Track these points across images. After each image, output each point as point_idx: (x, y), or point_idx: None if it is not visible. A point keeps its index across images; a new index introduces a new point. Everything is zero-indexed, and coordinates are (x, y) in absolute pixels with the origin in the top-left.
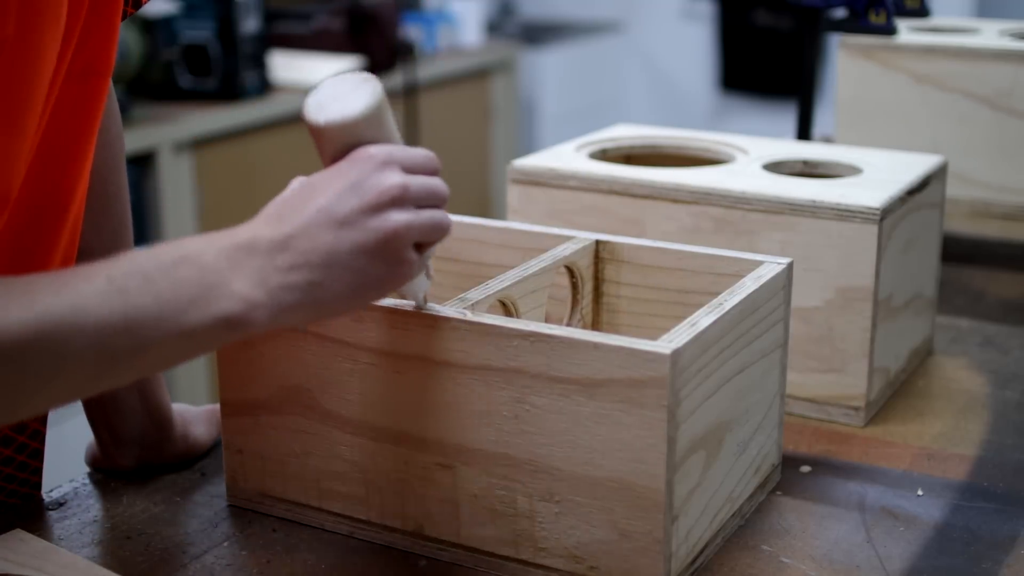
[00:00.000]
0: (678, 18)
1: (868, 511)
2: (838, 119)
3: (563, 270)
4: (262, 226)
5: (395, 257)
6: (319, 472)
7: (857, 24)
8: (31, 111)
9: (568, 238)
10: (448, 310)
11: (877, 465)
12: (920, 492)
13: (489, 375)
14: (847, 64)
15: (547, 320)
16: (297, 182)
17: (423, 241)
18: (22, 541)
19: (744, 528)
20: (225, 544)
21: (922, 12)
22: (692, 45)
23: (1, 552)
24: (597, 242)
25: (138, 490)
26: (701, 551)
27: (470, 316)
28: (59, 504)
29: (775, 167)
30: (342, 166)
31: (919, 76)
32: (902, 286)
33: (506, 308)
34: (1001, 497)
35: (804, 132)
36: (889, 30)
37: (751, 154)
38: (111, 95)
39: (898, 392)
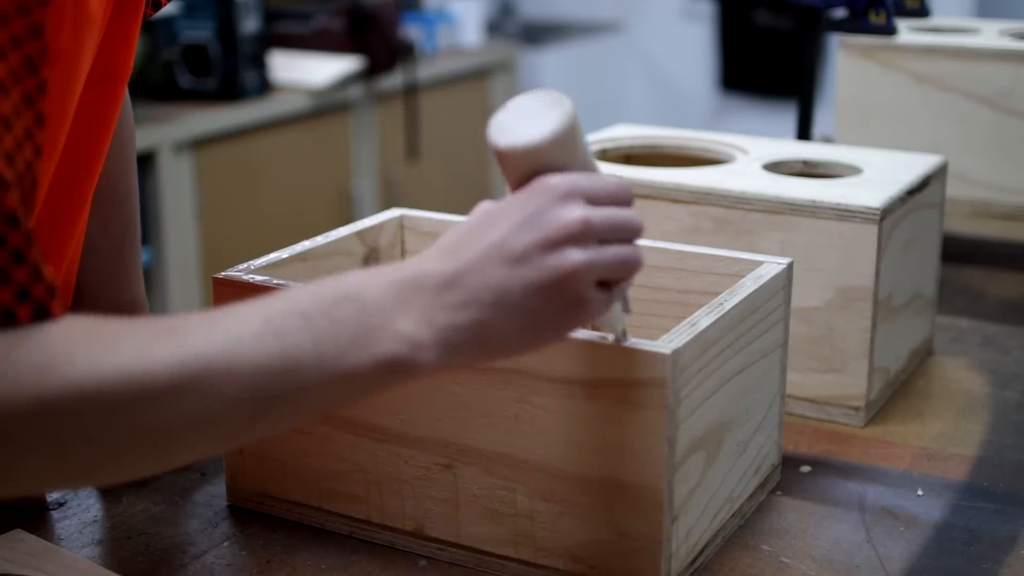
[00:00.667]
0: (678, 18)
1: (868, 511)
2: (838, 119)
3: None
4: (431, 260)
5: (574, 297)
6: (319, 472)
7: (857, 24)
8: (68, 121)
9: None
10: None
11: (877, 465)
12: (920, 492)
13: (489, 375)
14: (847, 64)
15: None
16: (480, 209)
17: (609, 278)
18: (22, 541)
19: (744, 528)
20: (225, 544)
21: (922, 12)
22: (692, 45)
23: (1, 552)
24: None
25: (138, 490)
26: (701, 551)
27: None
28: (59, 504)
29: (775, 167)
30: (522, 196)
31: (919, 76)
32: (902, 286)
33: None
34: (1001, 497)
35: (804, 132)
36: (889, 30)
37: (751, 154)
38: (126, 99)
39: (898, 392)
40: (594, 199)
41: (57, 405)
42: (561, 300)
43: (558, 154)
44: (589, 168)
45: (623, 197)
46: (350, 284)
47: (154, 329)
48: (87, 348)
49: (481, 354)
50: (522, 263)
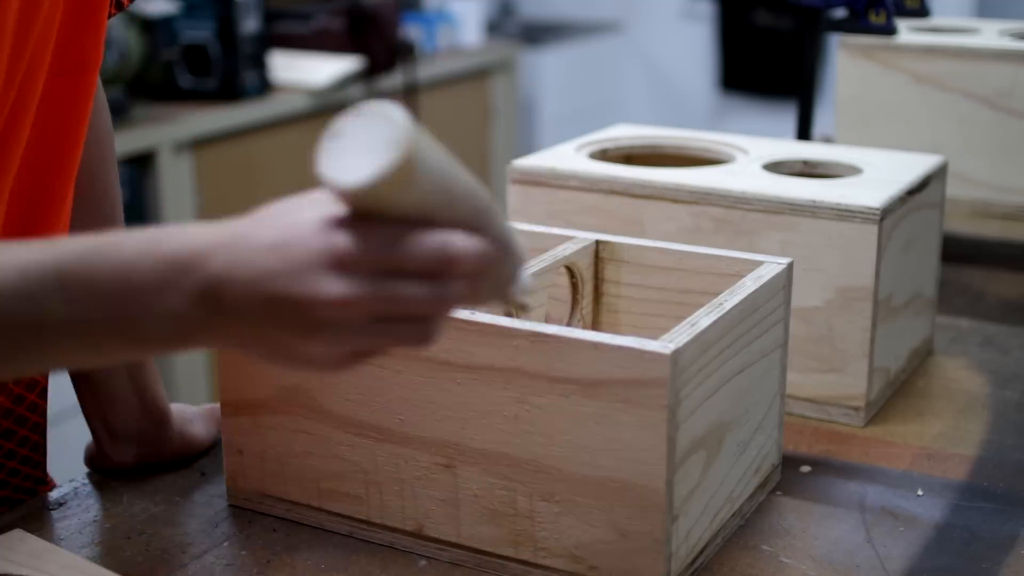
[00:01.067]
0: (678, 18)
1: (868, 511)
2: (838, 119)
3: (563, 270)
4: (212, 252)
5: (307, 359)
6: (319, 472)
7: (857, 24)
8: (28, 110)
9: (568, 238)
10: None
11: (877, 465)
12: (920, 492)
13: (490, 375)
14: (847, 64)
15: (547, 320)
16: (271, 212)
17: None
18: (22, 541)
19: (744, 528)
20: (225, 544)
21: (922, 12)
22: (692, 45)
23: (1, 552)
24: (597, 242)
25: (138, 490)
26: (701, 551)
27: (471, 316)
28: (59, 504)
29: (775, 167)
30: (302, 248)
31: (919, 76)
32: (902, 286)
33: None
34: (1001, 497)
35: (804, 132)
36: (889, 30)
37: (751, 154)
38: (99, 91)
39: (898, 392)
40: (377, 268)
41: None
42: (295, 359)
43: (373, 203)
44: (429, 211)
45: (429, 268)
46: (123, 262)
47: None
48: None
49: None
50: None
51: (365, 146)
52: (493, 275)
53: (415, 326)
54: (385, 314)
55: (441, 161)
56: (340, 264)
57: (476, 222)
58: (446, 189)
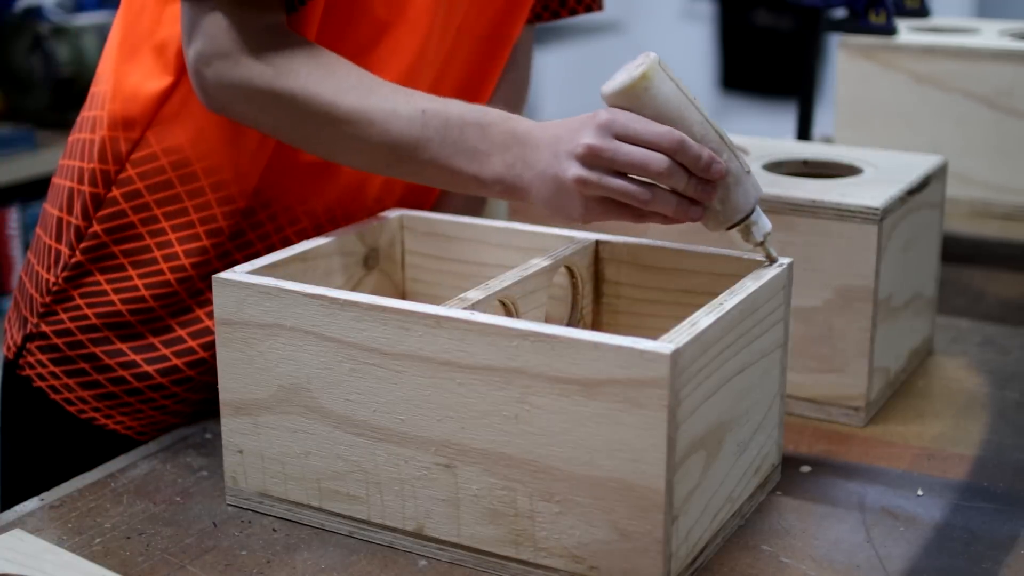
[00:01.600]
0: (678, 18)
1: (868, 511)
2: (838, 119)
3: (563, 270)
4: (535, 129)
5: (572, 199)
6: (319, 472)
7: (857, 24)
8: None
9: (568, 238)
10: (449, 310)
11: (877, 465)
12: (920, 492)
13: (489, 375)
14: (847, 64)
15: (547, 320)
16: (572, 118)
17: (614, 197)
18: (22, 541)
19: (744, 528)
20: (225, 544)
21: (922, 12)
22: (692, 45)
23: (1, 552)
24: (597, 242)
25: (138, 490)
26: (701, 551)
27: (470, 316)
28: (59, 504)
29: (775, 167)
30: (586, 117)
31: (919, 76)
32: (902, 286)
33: (506, 308)
34: (1001, 497)
35: (804, 132)
36: (889, 30)
37: (751, 154)
38: (529, 62)
39: (898, 392)
40: (625, 137)
41: (287, 96)
42: (564, 195)
43: (622, 102)
44: (664, 113)
45: (659, 144)
46: (483, 115)
47: (359, 81)
48: (325, 77)
49: (524, 197)
50: (557, 158)
51: (626, 71)
52: (714, 182)
53: (634, 185)
54: (620, 167)
55: (679, 94)
56: (602, 128)
57: (709, 145)
58: (680, 113)
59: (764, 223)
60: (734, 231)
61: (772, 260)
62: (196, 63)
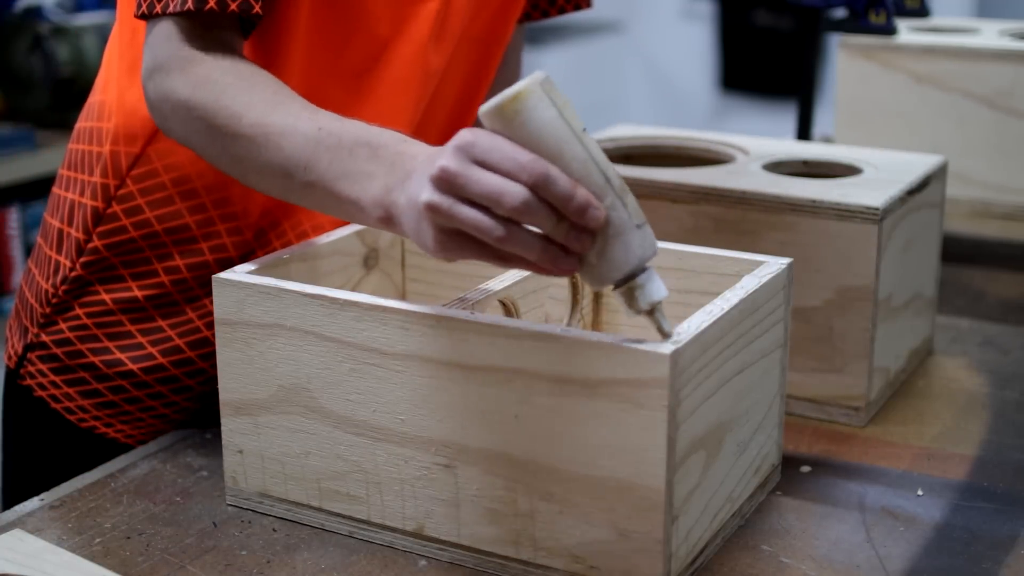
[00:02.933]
0: (678, 18)
1: (868, 511)
2: (838, 119)
3: None
4: (422, 153)
5: (423, 226)
6: (319, 472)
7: (857, 24)
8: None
9: None
10: (449, 310)
11: (877, 465)
12: (920, 492)
13: (489, 375)
14: (847, 64)
15: (547, 320)
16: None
17: (464, 229)
18: (22, 541)
19: (744, 528)
20: (225, 544)
21: (922, 12)
22: (692, 45)
23: (1, 552)
24: None
25: (138, 490)
26: (701, 551)
27: (470, 316)
28: (59, 504)
29: (775, 167)
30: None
31: (919, 76)
32: (902, 286)
33: (506, 308)
34: (1001, 497)
35: (804, 132)
36: (889, 30)
37: (751, 154)
38: (519, 61)
39: (898, 392)
40: (484, 163)
41: (199, 109)
42: (421, 222)
43: (495, 124)
44: (538, 143)
45: (519, 175)
46: (378, 136)
47: (271, 97)
48: (239, 92)
49: (399, 227)
50: (419, 181)
51: (507, 92)
52: (590, 231)
53: (485, 218)
54: (473, 196)
55: (561, 124)
56: (459, 150)
57: (588, 188)
58: (558, 146)
59: (655, 289)
60: (617, 294)
61: (665, 335)
62: (143, 76)
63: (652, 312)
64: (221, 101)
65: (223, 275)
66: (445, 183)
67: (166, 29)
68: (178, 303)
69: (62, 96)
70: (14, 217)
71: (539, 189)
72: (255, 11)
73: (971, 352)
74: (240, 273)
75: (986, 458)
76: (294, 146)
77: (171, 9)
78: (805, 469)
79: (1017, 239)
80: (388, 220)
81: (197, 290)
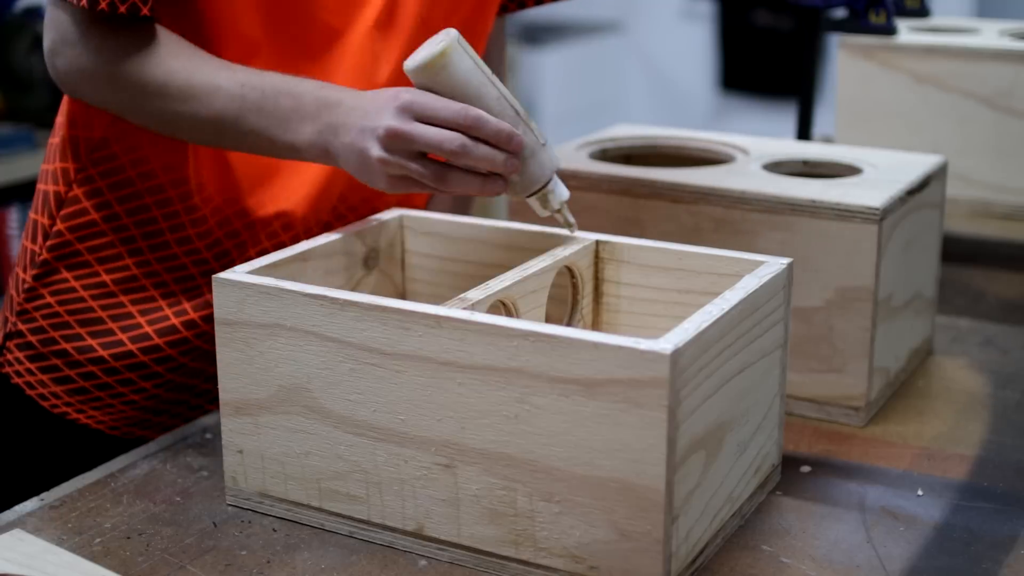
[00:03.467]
0: (678, 18)
1: (868, 511)
2: (838, 119)
3: (563, 270)
4: (347, 99)
5: (374, 174)
6: (319, 472)
7: (857, 24)
8: None
9: (568, 238)
10: (449, 310)
11: (877, 465)
12: (920, 492)
13: (489, 375)
14: (847, 64)
15: (547, 320)
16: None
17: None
18: (22, 541)
19: (744, 528)
20: (225, 544)
21: (922, 12)
22: (692, 45)
23: (1, 552)
24: (597, 242)
25: (138, 490)
26: (701, 551)
27: (470, 316)
28: (59, 504)
29: (775, 167)
30: (391, 92)
31: (919, 76)
32: (902, 286)
33: (506, 308)
34: (1001, 497)
35: (804, 132)
36: (889, 30)
37: (751, 154)
38: (501, 54)
39: (898, 392)
40: (424, 119)
41: (123, 79)
42: (370, 170)
43: (423, 78)
44: (462, 89)
45: (457, 123)
46: (297, 84)
47: (188, 61)
48: (159, 60)
49: (335, 162)
50: (361, 135)
51: (428, 47)
52: (515, 155)
53: (432, 167)
54: (417, 146)
55: (477, 71)
56: (403, 109)
57: (506, 119)
58: (478, 89)
59: (561, 191)
60: (534, 200)
61: (569, 226)
62: (48, 53)
63: (559, 210)
64: (144, 71)
65: (223, 275)
66: (395, 140)
67: (70, 7)
68: (146, 288)
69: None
70: (14, 217)
71: (473, 131)
72: (143, 13)
73: (971, 352)
74: (240, 273)
75: (986, 458)
76: (221, 102)
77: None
78: (805, 469)
79: (1017, 239)
80: (325, 157)
81: (164, 276)
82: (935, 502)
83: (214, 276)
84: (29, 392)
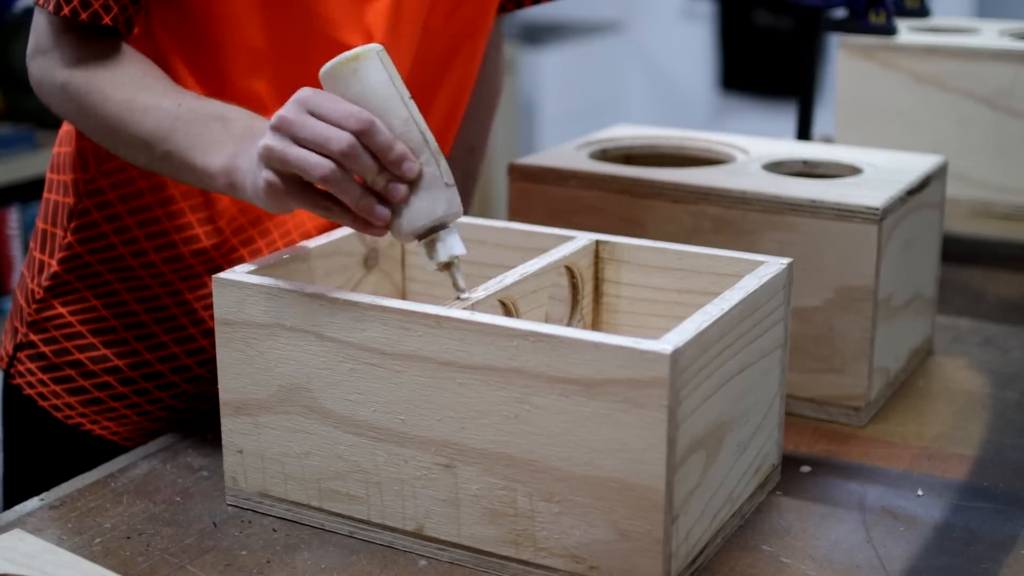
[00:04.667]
0: (678, 18)
1: (868, 511)
2: (838, 119)
3: (563, 270)
4: (266, 125)
5: (261, 174)
6: (319, 472)
7: (857, 24)
8: None
9: (568, 238)
10: (449, 310)
11: (877, 465)
12: (920, 492)
13: (489, 375)
14: (847, 64)
15: (547, 320)
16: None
17: (296, 171)
18: (22, 541)
19: (744, 528)
20: (225, 544)
21: (922, 12)
22: (692, 45)
23: (1, 552)
24: (597, 242)
25: (138, 490)
26: (701, 551)
27: (470, 316)
28: (59, 504)
29: (775, 167)
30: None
31: (919, 76)
32: (902, 286)
33: (506, 308)
34: (1001, 497)
35: (804, 132)
36: (889, 30)
37: (751, 154)
38: (495, 55)
39: (898, 392)
40: (317, 114)
41: (72, 89)
42: (257, 175)
43: (330, 82)
44: (369, 100)
45: (347, 123)
46: (230, 111)
47: (139, 78)
48: (111, 73)
49: (242, 190)
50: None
51: (345, 53)
52: (405, 182)
53: (314, 157)
54: (305, 142)
55: (390, 88)
56: (297, 103)
57: (408, 143)
58: (385, 104)
59: (453, 244)
60: (421, 247)
61: (459, 290)
62: (28, 57)
63: (450, 265)
64: (92, 83)
65: (223, 275)
66: (281, 128)
67: (47, 14)
68: (160, 297)
69: None
70: (14, 217)
71: (363, 136)
72: (104, 22)
73: (971, 352)
74: (240, 273)
75: (986, 458)
76: (155, 120)
77: (42, 5)
78: (805, 469)
79: (1017, 239)
80: (232, 186)
81: (178, 284)
82: (935, 502)
83: (214, 276)
84: (41, 403)
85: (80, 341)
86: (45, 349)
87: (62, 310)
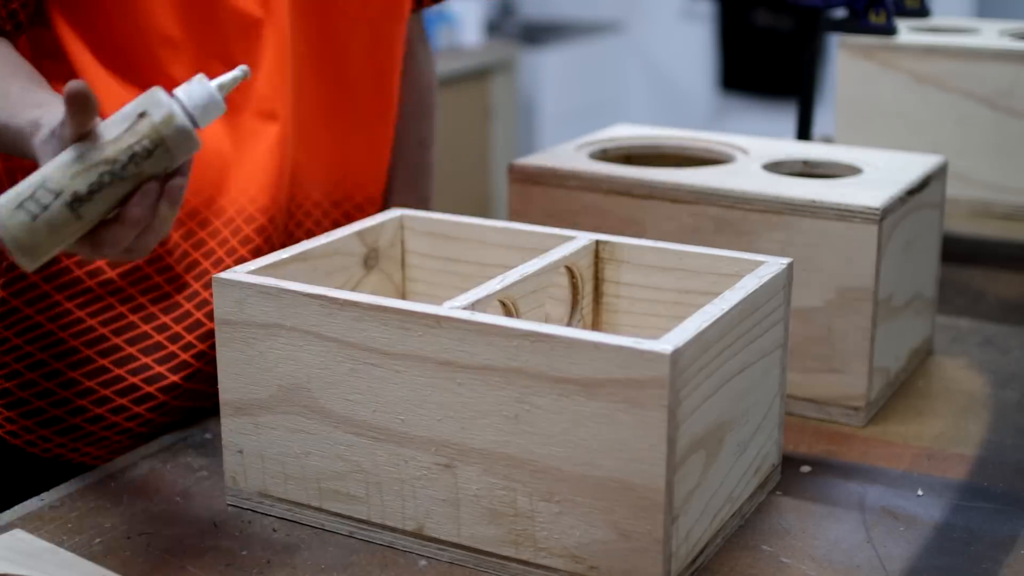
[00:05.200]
0: (678, 18)
1: (868, 511)
2: (838, 119)
3: (563, 270)
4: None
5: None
6: (319, 472)
7: (857, 24)
8: None
9: (568, 238)
10: (449, 310)
11: (877, 465)
12: (920, 492)
13: (489, 375)
14: (847, 64)
15: (547, 320)
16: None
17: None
18: (22, 541)
19: (744, 528)
20: (225, 544)
21: (922, 12)
22: (692, 45)
23: (1, 552)
24: (597, 242)
25: (138, 490)
26: (701, 551)
27: (470, 316)
28: (59, 504)
29: (775, 167)
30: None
31: (919, 76)
32: (902, 286)
33: (506, 308)
34: (1001, 497)
35: (804, 132)
36: (889, 30)
37: (751, 154)
38: (426, 47)
39: (898, 392)
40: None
41: None
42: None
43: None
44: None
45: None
46: (22, 121)
47: None
48: None
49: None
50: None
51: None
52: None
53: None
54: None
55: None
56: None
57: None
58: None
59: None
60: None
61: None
62: None
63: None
64: None
65: (223, 275)
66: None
67: None
68: (130, 320)
69: None
70: None
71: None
72: None
73: (971, 352)
74: (240, 273)
75: (986, 458)
76: None
77: None
78: (805, 469)
79: (1017, 239)
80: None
81: (140, 299)
82: (935, 502)
83: (214, 276)
84: (13, 441)
85: (44, 369)
86: (8, 384)
87: (17, 341)
